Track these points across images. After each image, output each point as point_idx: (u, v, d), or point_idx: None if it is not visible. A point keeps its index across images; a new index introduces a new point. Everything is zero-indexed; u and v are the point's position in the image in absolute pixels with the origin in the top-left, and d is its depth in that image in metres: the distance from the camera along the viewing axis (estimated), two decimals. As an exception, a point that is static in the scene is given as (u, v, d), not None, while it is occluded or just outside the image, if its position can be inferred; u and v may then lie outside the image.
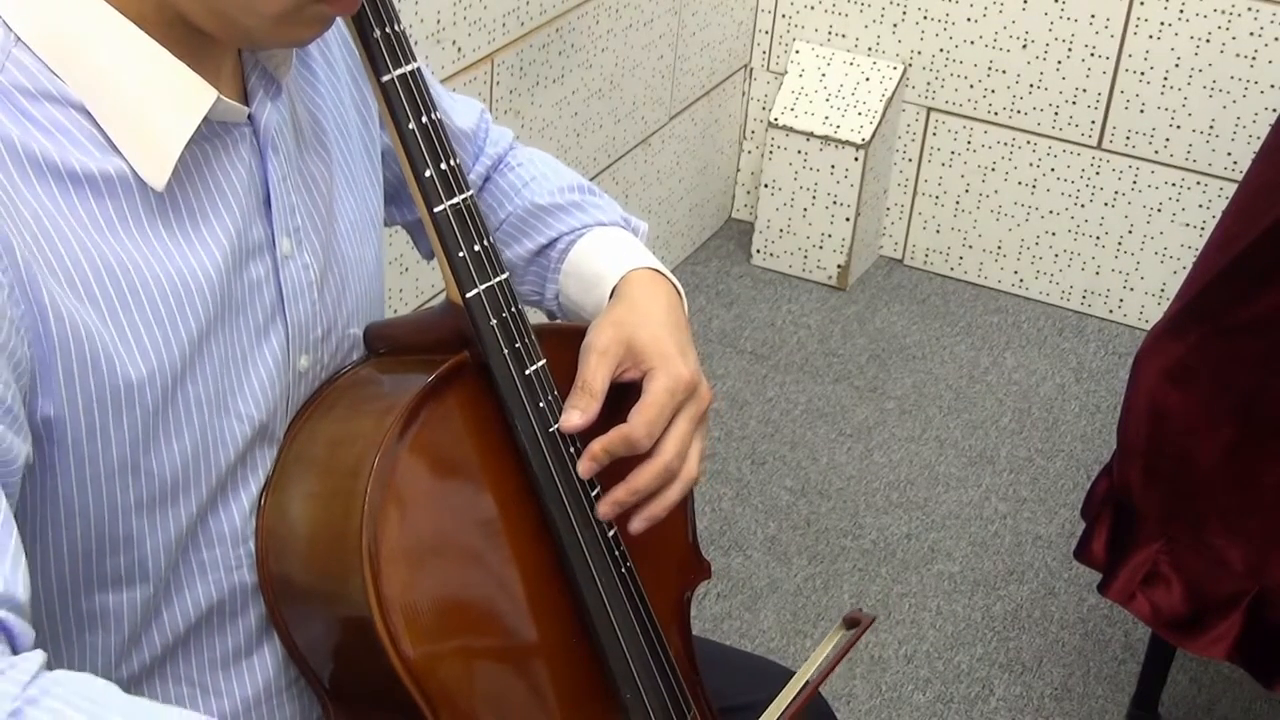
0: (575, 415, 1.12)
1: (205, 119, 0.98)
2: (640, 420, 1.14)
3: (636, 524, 1.16)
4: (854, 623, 1.26)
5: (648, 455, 1.15)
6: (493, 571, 1.11)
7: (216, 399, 1.02)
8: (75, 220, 0.93)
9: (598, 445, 1.13)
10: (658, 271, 1.25)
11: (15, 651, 0.80)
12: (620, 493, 1.15)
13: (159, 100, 0.96)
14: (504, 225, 1.33)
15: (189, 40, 0.97)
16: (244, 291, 1.04)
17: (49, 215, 0.92)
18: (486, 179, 1.35)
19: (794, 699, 1.20)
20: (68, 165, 0.93)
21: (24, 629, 0.81)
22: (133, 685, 1.07)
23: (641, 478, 1.15)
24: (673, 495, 1.16)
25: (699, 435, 1.19)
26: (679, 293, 1.25)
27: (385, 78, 1.06)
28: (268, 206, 1.05)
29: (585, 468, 1.13)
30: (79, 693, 0.77)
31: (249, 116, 1.03)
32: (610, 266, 1.25)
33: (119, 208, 0.95)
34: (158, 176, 0.96)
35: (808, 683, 1.22)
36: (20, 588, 0.83)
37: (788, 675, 1.26)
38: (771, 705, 1.20)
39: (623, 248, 1.27)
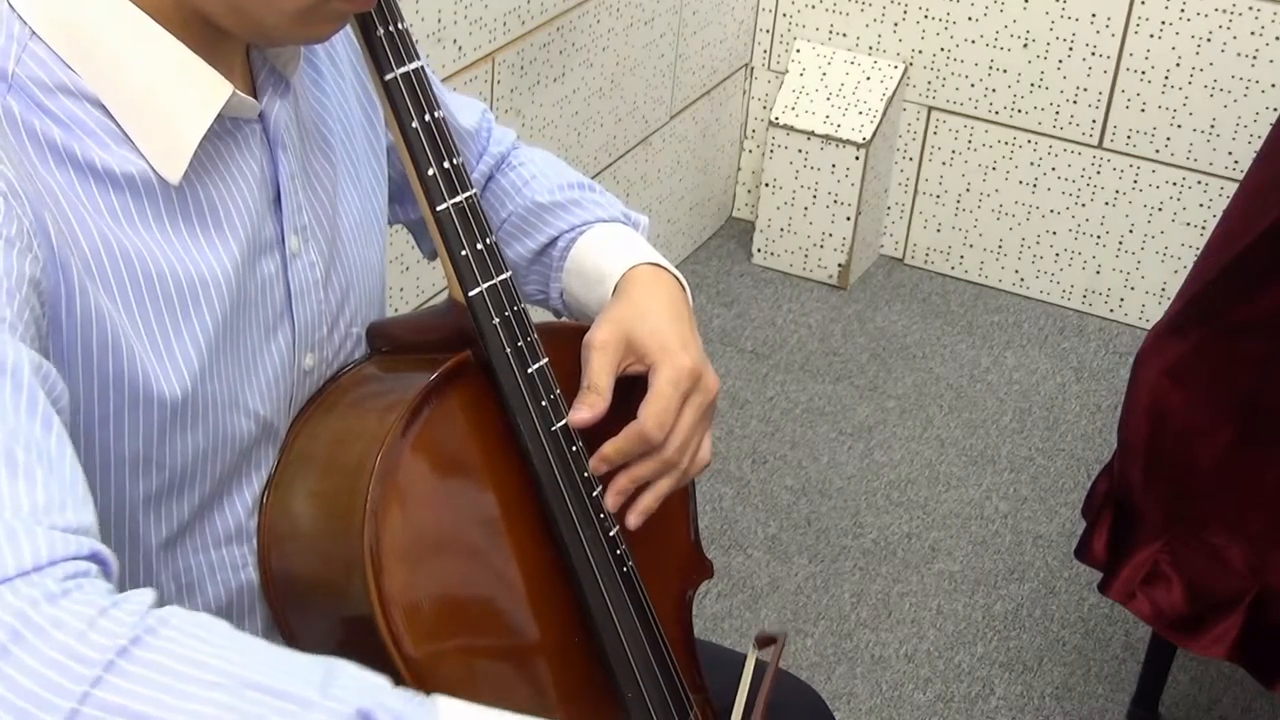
0: (584, 410, 1.13)
1: (219, 115, 0.98)
2: (650, 414, 1.15)
3: (632, 518, 1.17)
4: (768, 641, 1.26)
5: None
6: (494, 570, 1.11)
7: (229, 396, 1.02)
8: (94, 210, 0.93)
9: (610, 448, 1.14)
10: (660, 266, 1.25)
11: (109, 580, 0.79)
12: (622, 480, 1.16)
13: (175, 94, 0.96)
14: (505, 225, 1.33)
15: (204, 36, 0.97)
16: (256, 289, 1.04)
17: (71, 202, 0.92)
18: (489, 179, 1.35)
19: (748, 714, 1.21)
20: (86, 158, 0.93)
21: (114, 558, 0.80)
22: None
23: (645, 467, 1.16)
24: (665, 486, 1.18)
25: (705, 424, 1.20)
26: (682, 285, 1.25)
27: (388, 76, 1.06)
28: (277, 204, 1.05)
29: (598, 467, 1.14)
30: (203, 624, 0.76)
31: (260, 114, 1.03)
32: (612, 264, 1.25)
33: (137, 202, 0.95)
34: (173, 171, 0.96)
35: (752, 701, 1.22)
36: (96, 522, 0.81)
37: (787, 677, 1.27)
38: None
39: (623, 244, 1.27)
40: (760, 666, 1.26)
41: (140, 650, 0.72)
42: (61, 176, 0.92)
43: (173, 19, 0.96)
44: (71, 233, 0.92)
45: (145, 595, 0.76)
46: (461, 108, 1.32)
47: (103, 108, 0.94)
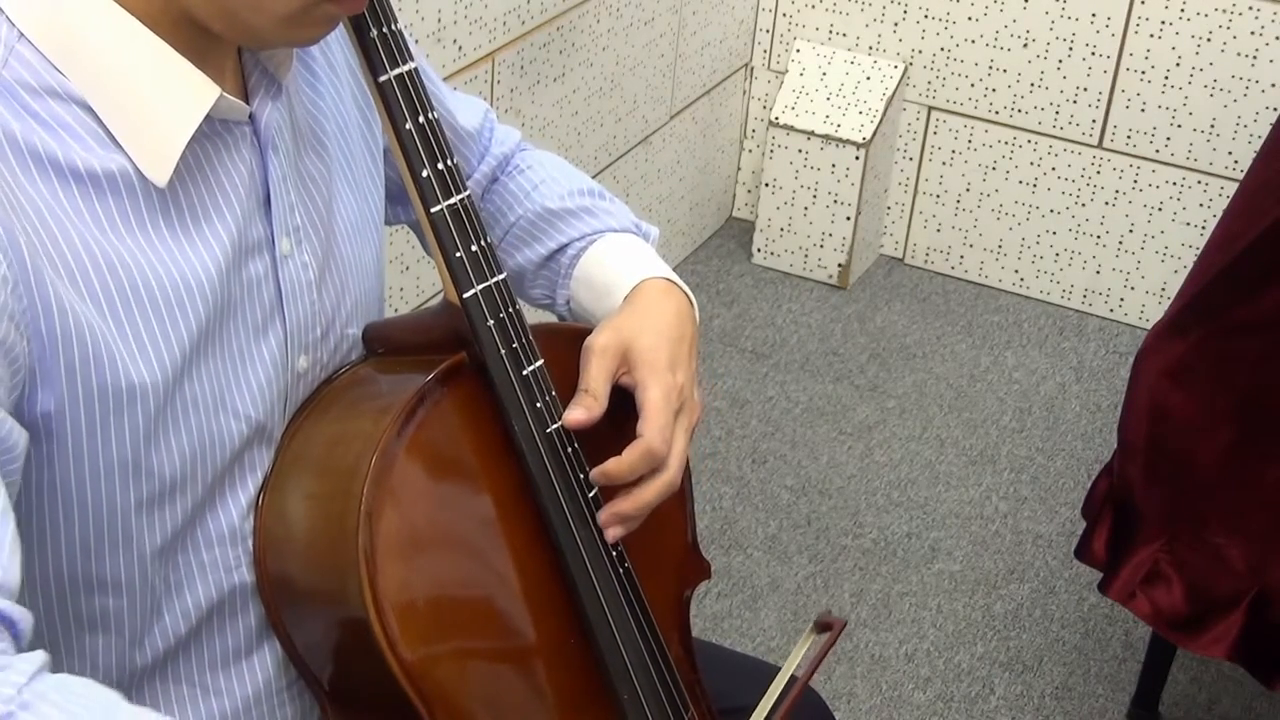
0: (579, 412, 1.12)
1: (207, 117, 0.98)
2: (653, 430, 1.14)
3: (616, 531, 1.15)
4: (826, 627, 1.26)
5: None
6: (490, 571, 1.11)
7: (215, 398, 1.02)
8: (77, 217, 0.93)
9: (615, 465, 1.12)
10: (672, 282, 1.24)
11: (16, 639, 0.79)
12: (626, 505, 1.14)
13: (162, 96, 0.96)
14: (513, 229, 1.32)
15: (193, 38, 0.97)
16: (242, 290, 1.04)
17: (51, 211, 0.92)
18: (494, 180, 1.34)
19: (781, 699, 1.21)
20: (70, 162, 0.93)
21: (24, 615, 0.79)
22: (133, 686, 1.07)
23: (650, 492, 1.15)
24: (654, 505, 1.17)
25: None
26: (691, 304, 1.24)
27: (382, 78, 1.06)
28: (267, 206, 1.05)
29: (599, 479, 1.13)
30: (79, 700, 0.75)
31: (250, 115, 1.03)
32: (622, 275, 1.24)
33: (120, 206, 0.95)
34: (160, 173, 0.96)
35: (794, 679, 1.22)
36: (15, 578, 0.81)
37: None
38: (758, 708, 1.20)
39: (635, 256, 1.27)
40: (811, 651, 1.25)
41: None
42: (44, 185, 0.92)
43: (161, 22, 0.96)
44: (52, 242, 0.92)
45: (31, 661, 0.75)
46: (463, 107, 1.32)
47: (90, 110, 0.94)
